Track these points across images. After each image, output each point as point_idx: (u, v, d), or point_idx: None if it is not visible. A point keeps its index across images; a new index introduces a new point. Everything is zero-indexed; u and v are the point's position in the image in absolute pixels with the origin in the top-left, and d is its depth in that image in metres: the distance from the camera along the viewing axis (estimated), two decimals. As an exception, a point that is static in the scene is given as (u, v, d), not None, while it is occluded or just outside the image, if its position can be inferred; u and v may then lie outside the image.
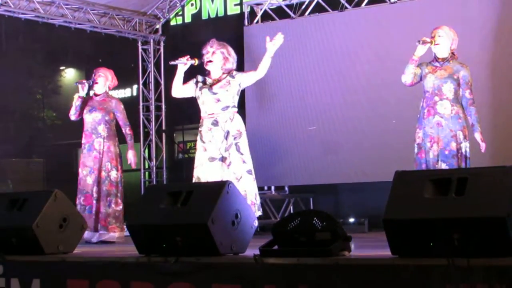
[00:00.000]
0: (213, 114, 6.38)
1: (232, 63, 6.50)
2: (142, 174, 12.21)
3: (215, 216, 4.22)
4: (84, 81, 7.87)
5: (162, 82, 12.08)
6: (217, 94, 6.37)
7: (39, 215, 5.03)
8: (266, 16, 10.89)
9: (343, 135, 9.75)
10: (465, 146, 6.22)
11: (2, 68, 14.23)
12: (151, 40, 12.14)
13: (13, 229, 5.09)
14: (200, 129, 6.44)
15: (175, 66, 6.52)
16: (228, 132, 6.33)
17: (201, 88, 6.45)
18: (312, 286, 3.74)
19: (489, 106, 8.60)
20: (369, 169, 9.49)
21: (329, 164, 9.79)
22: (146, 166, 12.33)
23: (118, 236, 7.70)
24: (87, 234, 7.48)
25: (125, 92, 14.59)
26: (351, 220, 9.16)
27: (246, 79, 6.49)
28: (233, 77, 6.44)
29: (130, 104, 12.69)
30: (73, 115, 7.82)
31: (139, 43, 12.17)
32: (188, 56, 6.43)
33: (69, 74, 17.18)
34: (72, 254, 5.13)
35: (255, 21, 10.98)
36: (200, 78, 6.52)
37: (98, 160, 7.68)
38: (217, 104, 6.37)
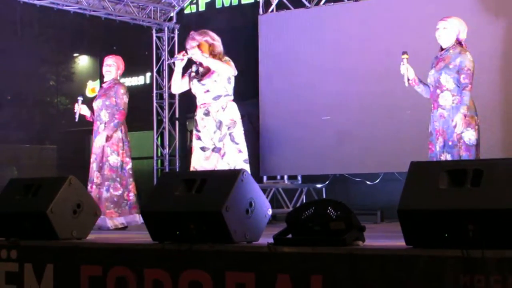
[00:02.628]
0: (205, 104, 6.39)
1: (218, 46, 6.46)
2: (155, 162, 12.23)
3: (229, 204, 4.23)
4: (80, 97, 7.95)
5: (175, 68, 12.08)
6: (205, 85, 6.38)
7: (53, 201, 5.05)
8: (281, 5, 10.87)
9: (357, 125, 9.74)
10: (469, 134, 6.08)
11: (16, 54, 14.27)
12: (166, 28, 12.14)
13: (28, 214, 5.12)
14: (195, 117, 6.48)
15: (188, 59, 6.55)
16: (220, 122, 6.31)
17: (192, 79, 6.47)
18: (326, 275, 3.75)
19: (501, 99, 8.57)
20: (382, 160, 9.48)
21: (342, 154, 9.79)
22: (159, 154, 12.34)
23: (116, 223, 7.67)
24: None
25: (139, 80, 14.62)
26: (364, 210, 9.15)
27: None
28: (223, 62, 6.40)
29: (143, 92, 12.75)
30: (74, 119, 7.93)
31: (154, 31, 12.18)
32: (184, 52, 6.45)
33: (82, 61, 17.23)
34: (85, 240, 5.15)
35: (270, 10, 10.95)
36: (194, 68, 6.53)
37: (100, 145, 7.72)
38: (207, 95, 6.37)
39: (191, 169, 6.41)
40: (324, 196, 10.47)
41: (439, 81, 6.21)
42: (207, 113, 6.36)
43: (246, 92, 10.76)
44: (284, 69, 10.49)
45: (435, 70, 6.27)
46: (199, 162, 6.36)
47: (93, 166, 7.73)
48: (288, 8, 10.76)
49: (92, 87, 15.97)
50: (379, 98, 9.60)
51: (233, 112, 6.37)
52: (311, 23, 10.29)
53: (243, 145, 6.34)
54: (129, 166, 7.78)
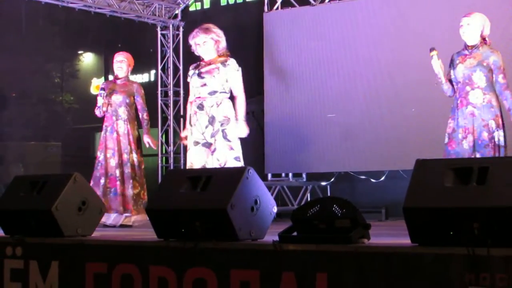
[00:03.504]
0: (199, 97, 6.37)
1: (223, 41, 6.45)
2: (159, 159, 12.25)
3: (234, 201, 4.22)
4: (102, 91, 7.90)
5: (181, 68, 12.10)
6: (204, 79, 6.36)
7: (58, 198, 5.05)
8: (286, 3, 10.86)
9: (362, 123, 9.73)
10: (498, 135, 6.01)
11: (21, 51, 14.29)
12: (170, 26, 12.15)
13: (33, 211, 5.12)
14: (189, 112, 6.47)
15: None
16: (213, 118, 6.28)
17: (192, 75, 6.47)
18: (331, 273, 3.75)
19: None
20: (387, 158, 9.48)
21: (347, 152, 9.78)
22: (164, 151, 12.36)
23: (135, 219, 7.74)
24: (106, 217, 7.55)
25: (143, 77, 14.64)
26: (369, 208, 9.14)
27: (232, 83, 6.40)
28: (225, 65, 6.37)
29: (148, 89, 12.68)
30: (99, 114, 7.87)
31: (158, 28, 12.20)
32: (183, 137, 6.55)
33: (87, 58, 17.25)
34: (90, 237, 5.16)
35: (275, 7, 10.95)
36: (192, 66, 6.54)
37: (119, 142, 7.75)
38: (204, 88, 6.35)
39: (188, 164, 6.41)
40: (329, 194, 10.47)
41: (471, 78, 6.09)
42: (201, 107, 6.33)
43: (251, 90, 10.74)
44: (289, 66, 10.49)
45: (465, 66, 6.12)
46: (192, 156, 6.36)
47: (111, 161, 7.73)
48: (293, 6, 10.76)
49: (96, 85, 15.99)
50: (384, 96, 9.60)
51: (227, 109, 6.34)
52: (316, 21, 10.29)
53: (235, 143, 6.30)
54: (143, 166, 7.88)
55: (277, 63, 10.65)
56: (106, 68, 15.77)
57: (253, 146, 10.28)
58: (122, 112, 7.79)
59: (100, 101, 7.76)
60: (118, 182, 7.68)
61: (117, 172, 7.69)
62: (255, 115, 10.69)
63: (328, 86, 10.11)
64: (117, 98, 7.80)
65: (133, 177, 7.73)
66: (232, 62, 6.39)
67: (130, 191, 7.69)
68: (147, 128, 7.91)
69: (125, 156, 7.71)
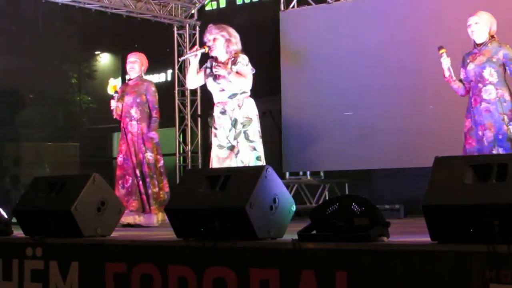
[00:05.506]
0: (221, 102, 6.37)
1: (235, 43, 6.39)
2: (177, 159, 12.29)
3: (253, 200, 4.22)
4: (116, 94, 7.92)
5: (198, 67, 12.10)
6: (220, 84, 6.34)
7: (77, 199, 5.07)
8: (302, 1, 10.85)
9: (380, 120, 9.71)
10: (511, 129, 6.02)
11: (38, 52, 14.36)
12: (187, 25, 12.19)
13: (52, 212, 5.14)
14: (213, 114, 6.48)
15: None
16: (236, 120, 6.29)
17: (208, 76, 6.44)
18: (351, 272, 3.74)
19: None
20: (405, 155, 9.46)
21: (365, 149, 9.76)
22: (181, 151, 12.39)
23: (157, 220, 7.74)
24: (130, 215, 7.60)
25: (160, 77, 14.68)
26: (387, 206, 9.13)
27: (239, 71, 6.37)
28: (235, 64, 6.34)
29: (165, 89, 12.78)
30: (113, 116, 7.90)
31: (175, 28, 12.23)
32: (197, 46, 6.48)
33: (104, 59, 17.31)
34: (110, 237, 5.17)
35: (291, 6, 10.94)
36: (209, 63, 6.49)
37: (133, 143, 7.75)
38: (223, 94, 6.35)
39: (210, 166, 6.41)
40: (347, 192, 10.46)
41: (482, 75, 6.12)
42: (223, 112, 6.35)
43: (268, 88, 10.77)
44: (306, 64, 10.48)
45: (475, 64, 6.16)
46: (217, 159, 6.36)
47: (128, 162, 7.75)
48: (309, 4, 10.75)
49: (113, 85, 16.02)
50: (401, 93, 9.57)
51: (249, 109, 6.33)
52: (333, 19, 10.29)
53: (257, 143, 6.30)
54: (161, 163, 7.85)
55: (293, 62, 10.64)
56: (123, 68, 15.77)
57: (271, 145, 10.28)
58: (134, 112, 7.79)
59: (113, 104, 7.78)
60: (140, 182, 7.70)
61: (137, 172, 7.71)
62: (272, 114, 10.70)
63: (345, 84, 10.09)
64: (128, 99, 7.81)
65: (151, 176, 7.74)
66: (241, 57, 6.36)
67: (149, 190, 7.71)
68: (154, 125, 7.82)
69: (140, 155, 7.72)
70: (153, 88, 7.88)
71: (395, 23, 9.75)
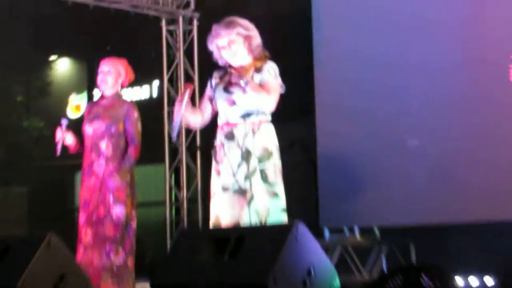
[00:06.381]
0: (228, 123, 6.29)
1: (256, 36, 6.39)
2: (167, 210, 12.28)
3: (278, 273, 4.22)
4: (64, 120, 7.86)
5: (196, 77, 12.18)
6: (233, 94, 6.25)
7: (26, 271, 5.08)
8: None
9: (459, 154, 9.67)
10: None
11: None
12: (180, 18, 12.25)
13: (-10, 289, 5.16)
14: (214, 143, 6.42)
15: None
16: (248, 152, 6.18)
17: (216, 86, 6.43)
18: None
19: None
20: (495, 204, 9.41)
21: (438, 196, 9.71)
22: (174, 198, 12.39)
23: None
24: None
25: (142, 92, 14.79)
26: (472, 277, 9.10)
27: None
28: (260, 71, 6.31)
29: (148, 109, 12.83)
30: (56, 151, 7.84)
31: (163, 23, 12.31)
32: (186, 92, 6.40)
33: (62, 67, 17.45)
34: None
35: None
36: (216, 74, 6.47)
37: (97, 189, 7.68)
38: (233, 110, 6.27)
39: (212, 219, 6.36)
40: (413, 257, 10.41)
41: None
42: (230, 137, 6.24)
43: (297, 108, 10.79)
44: (351, 72, 10.49)
45: None
46: (220, 208, 6.32)
47: (81, 217, 7.70)
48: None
49: (76, 104, 16.15)
50: (491, 114, 9.52)
51: (268, 138, 6.27)
52: (393, 7, 10.28)
53: (280, 187, 6.20)
54: (135, 222, 7.75)
55: (332, 69, 10.65)
56: (91, 80, 15.93)
57: (302, 189, 10.29)
58: (105, 146, 7.66)
59: (58, 134, 7.71)
60: (81, 248, 7.60)
61: (85, 233, 7.61)
62: (304, 144, 10.71)
63: (407, 100, 10.08)
64: (98, 127, 7.74)
65: (114, 240, 7.63)
66: (269, 65, 6.32)
67: (104, 260, 7.61)
68: (126, 165, 7.62)
69: (102, 210, 7.63)
70: (136, 114, 7.70)
71: (484, 18, 9.78)
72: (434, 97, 9.92)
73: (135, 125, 7.73)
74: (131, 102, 7.99)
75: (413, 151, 9.99)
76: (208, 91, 6.49)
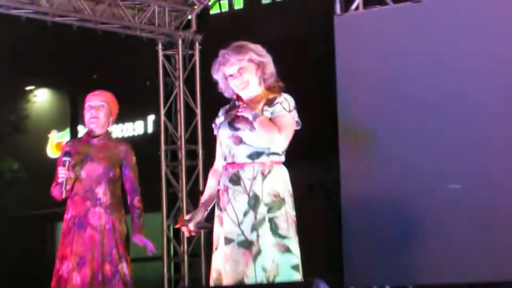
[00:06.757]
0: (233, 164, 6.24)
1: (269, 62, 6.31)
2: (165, 267, 12.35)
3: None
4: (67, 157, 7.80)
5: (198, 111, 12.22)
6: (239, 131, 6.20)
7: None
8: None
9: (507, 201, 9.66)
10: None
11: None
12: (180, 41, 12.27)
13: None
14: (218, 186, 6.33)
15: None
16: (256, 198, 6.12)
17: (221, 124, 6.30)
18: None
19: None
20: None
21: (489, 247, 9.69)
22: (173, 253, 12.41)
23: None
24: None
25: (136, 128, 14.79)
26: None
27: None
28: (272, 105, 6.24)
29: (142, 148, 12.82)
30: (59, 195, 7.81)
31: (160, 46, 12.34)
32: (185, 220, 6.42)
33: (41, 98, 17.46)
34: None
35: (353, 6, 10.99)
36: (225, 108, 6.39)
37: (97, 244, 7.65)
38: (240, 149, 6.20)
39: (213, 275, 6.30)
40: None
41: None
42: (236, 180, 6.18)
43: (317, 146, 10.77)
44: (380, 106, 10.47)
45: None
46: (223, 263, 6.29)
47: (74, 277, 7.64)
48: (383, 3, 10.78)
49: (58, 142, 16.16)
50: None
51: (279, 183, 6.20)
52: (425, 27, 10.30)
53: (292, 240, 6.13)
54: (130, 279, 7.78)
55: (358, 96, 10.64)
56: (74, 114, 15.94)
57: (323, 241, 10.26)
58: (103, 193, 7.72)
59: (62, 173, 7.69)
60: None
61: None
62: (324, 188, 10.69)
63: (448, 133, 10.06)
64: (93, 169, 7.75)
65: None
66: (282, 97, 6.26)
67: None
68: (139, 222, 7.70)
69: (108, 268, 7.63)
70: (134, 158, 7.78)
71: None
72: (478, 132, 9.91)
73: (134, 170, 7.79)
74: (127, 143, 7.97)
75: (454, 197, 9.96)
76: (216, 133, 6.41)
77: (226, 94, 6.39)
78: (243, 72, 6.24)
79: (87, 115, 7.78)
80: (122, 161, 7.76)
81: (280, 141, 6.15)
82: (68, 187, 7.59)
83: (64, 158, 7.56)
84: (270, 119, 6.17)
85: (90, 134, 7.84)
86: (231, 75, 6.28)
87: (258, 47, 6.34)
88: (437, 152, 10.14)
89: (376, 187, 10.44)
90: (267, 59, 6.32)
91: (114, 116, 7.84)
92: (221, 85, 6.36)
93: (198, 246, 12.29)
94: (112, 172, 7.69)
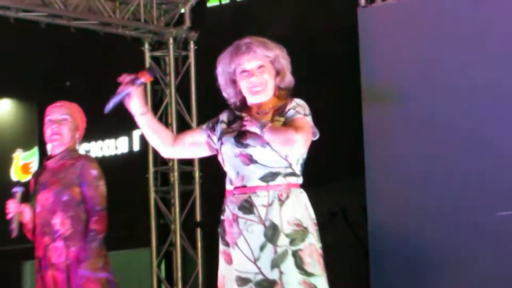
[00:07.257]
0: (244, 188, 6.12)
1: (287, 63, 6.13)
2: (155, 313, 12.39)
3: None
4: (18, 188, 7.75)
5: (194, 124, 12.24)
6: (248, 147, 6.08)
7: None
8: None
9: None
10: None
11: None
12: (171, 40, 12.37)
13: None
14: (221, 216, 6.19)
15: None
16: (274, 228, 6.00)
17: (222, 135, 6.23)
18: None
19: None
20: None
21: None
22: (167, 294, 12.51)
23: None
24: None
25: (118, 145, 14.85)
26: None
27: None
28: (283, 113, 6.06)
29: (127, 169, 12.92)
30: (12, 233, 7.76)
31: (146, 47, 12.44)
32: (131, 77, 6.07)
33: (2, 110, 17.53)
34: None
35: (379, -1, 11.14)
36: (225, 116, 6.23)
37: (60, 286, 7.64)
38: (249, 169, 6.09)
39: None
40: None
41: None
42: (248, 208, 6.04)
43: (338, 165, 10.88)
44: (413, 111, 10.57)
45: None
46: None
47: None
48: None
49: (24, 163, 16.24)
50: None
51: (300, 209, 6.10)
52: (457, 21, 10.42)
53: (321, 278, 6.19)
54: None
55: (387, 107, 10.74)
56: (42, 130, 16.02)
57: (349, 277, 10.35)
58: (60, 223, 7.69)
59: (10, 207, 7.64)
60: None
61: None
62: (349, 217, 10.77)
63: (490, 150, 10.16)
64: (45, 198, 7.73)
65: None
66: (294, 103, 6.02)
67: None
68: (94, 247, 7.51)
69: None
70: (95, 172, 7.68)
71: None
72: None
73: (94, 186, 7.65)
74: (87, 155, 7.92)
75: (504, 223, 10.06)
76: (206, 127, 6.35)
77: (225, 95, 6.20)
78: (264, 72, 6.08)
79: (48, 131, 7.75)
80: (80, 179, 7.65)
81: (299, 140, 5.86)
82: (25, 222, 7.63)
83: (14, 189, 7.57)
84: (285, 123, 5.98)
85: (50, 156, 7.83)
86: (247, 71, 6.07)
87: (284, 50, 6.14)
88: (482, 169, 10.23)
89: (407, 213, 10.56)
90: (285, 60, 6.13)
91: (81, 131, 7.68)
92: (223, 82, 6.16)
93: (196, 286, 12.37)
94: (67, 195, 7.58)
